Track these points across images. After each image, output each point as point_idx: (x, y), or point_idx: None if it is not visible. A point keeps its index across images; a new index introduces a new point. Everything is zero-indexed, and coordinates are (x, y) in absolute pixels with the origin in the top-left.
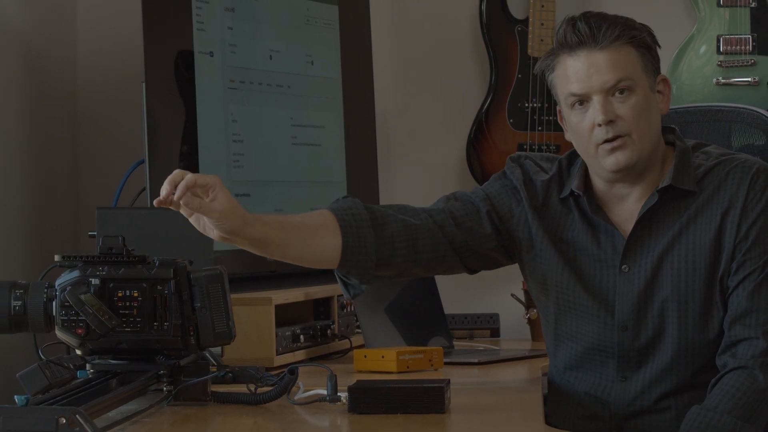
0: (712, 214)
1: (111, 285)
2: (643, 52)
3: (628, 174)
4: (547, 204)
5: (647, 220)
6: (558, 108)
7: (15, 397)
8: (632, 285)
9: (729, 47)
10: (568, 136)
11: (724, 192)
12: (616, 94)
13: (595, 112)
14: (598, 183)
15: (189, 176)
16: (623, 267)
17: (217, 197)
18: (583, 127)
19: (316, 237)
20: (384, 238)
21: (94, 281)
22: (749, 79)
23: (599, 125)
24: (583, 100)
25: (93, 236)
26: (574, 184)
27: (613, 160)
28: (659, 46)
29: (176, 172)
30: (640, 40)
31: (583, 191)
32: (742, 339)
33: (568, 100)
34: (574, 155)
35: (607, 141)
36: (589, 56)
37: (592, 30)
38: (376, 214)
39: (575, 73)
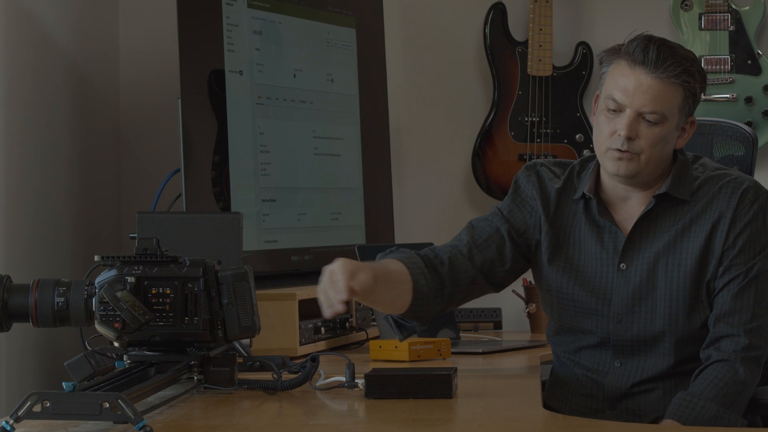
0: (705, 223)
1: (146, 283)
2: (688, 95)
3: (625, 181)
4: (558, 209)
5: (645, 222)
6: (597, 92)
7: (63, 383)
8: (628, 282)
9: (710, 67)
10: (593, 119)
11: (717, 204)
12: (646, 119)
13: (622, 123)
14: (607, 180)
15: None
16: (621, 265)
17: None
18: (607, 129)
19: (402, 289)
20: (437, 282)
21: (130, 279)
22: (728, 95)
23: (619, 135)
24: (617, 109)
25: (134, 238)
26: (585, 187)
27: (614, 166)
28: (704, 93)
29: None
30: (691, 87)
31: (594, 194)
32: (726, 335)
33: (607, 101)
34: (586, 161)
35: (617, 149)
36: (644, 77)
37: (658, 58)
38: (432, 261)
39: (624, 84)
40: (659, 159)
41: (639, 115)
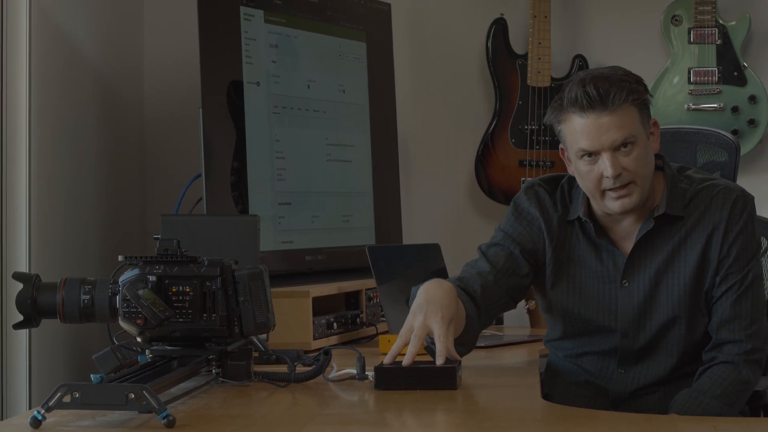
0: (700, 235)
1: (166, 281)
2: (641, 107)
3: (631, 212)
4: (558, 230)
5: (644, 241)
6: (561, 147)
7: (91, 375)
8: (632, 298)
9: (698, 78)
10: (572, 170)
11: (710, 216)
12: (621, 148)
13: (604, 165)
14: (600, 213)
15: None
16: (623, 282)
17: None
18: (592, 177)
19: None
20: (477, 310)
21: (152, 278)
22: (715, 105)
23: (607, 177)
24: (592, 153)
25: (158, 239)
26: (580, 211)
27: (619, 205)
28: (651, 96)
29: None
30: (641, 100)
31: (588, 217)
32: (729, 341)
33: (578, 153)
34: (573, 179)
35: (613, 189)
36: (598, 118)
37: (601, 96)
38: (467, 291)
39: (585, 132)
40: (649, 175)
41: (614, 151)
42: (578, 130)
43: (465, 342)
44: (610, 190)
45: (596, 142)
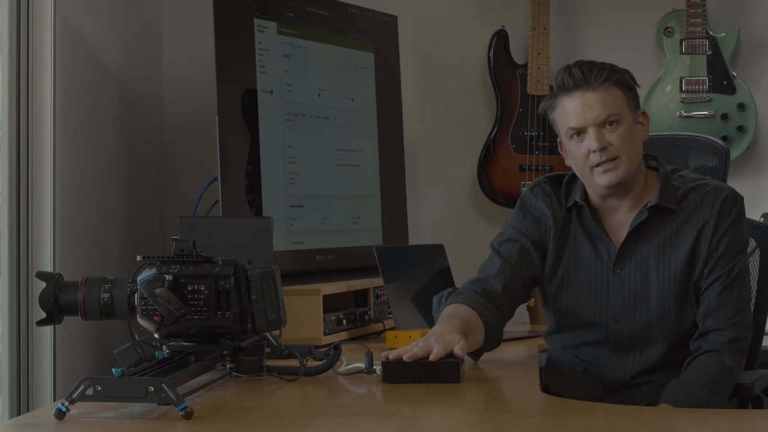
0: (690, 229)
1: (182, 280)
2: (626, 91)
3: (618, 189)
4: (562, 223)
5: (636, 231)
6: (558, 140)
7: (112, 369)
8: (623, 285)
9: (690, 87)
10: (568, 161)
11: (701, 212)
12: (607, 126)
13: (590, 141)
14: (594, 197)
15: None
16: (615, 269)
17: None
18: (580, 154)
19: (477, 332)
20: (497, 310)
21: (168, 277)
22: (706, 112)
23: (594, 151)
24: (580, 132)
25: (176, 240)
26: (577, 196)
27: (606, 179)
28: (638, 86)
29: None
30: (623, 81)
31: (585, 202)
32: (714, 329)
33: (567, 133)
34: (575, 176)
35: (600, 164)
36: (583, 96)
37: (584, 74)
38: (489, 291)
39: (572, 110)
40: (636, 156)
41: (599, 127)
42: (566, 110)
43: (489, 345)
44: (597, 165)
45: (582, 119)
